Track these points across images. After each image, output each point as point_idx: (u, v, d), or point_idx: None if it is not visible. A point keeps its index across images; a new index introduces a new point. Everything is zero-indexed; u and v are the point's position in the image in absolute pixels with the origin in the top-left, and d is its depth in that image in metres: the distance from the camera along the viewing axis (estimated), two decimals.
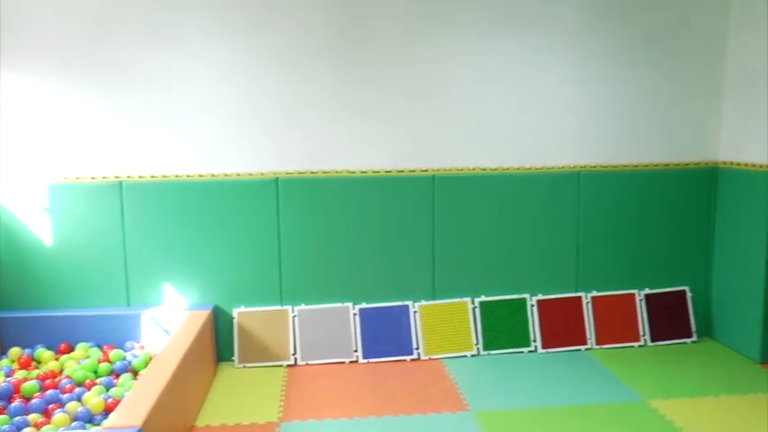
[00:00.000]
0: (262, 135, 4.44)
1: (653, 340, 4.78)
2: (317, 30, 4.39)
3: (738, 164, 4.67)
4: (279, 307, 4.53)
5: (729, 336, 4.78)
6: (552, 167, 4.69)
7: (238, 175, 4.44)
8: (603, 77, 4.68)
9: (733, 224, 4.72)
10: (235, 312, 4.49)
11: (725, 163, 4.81)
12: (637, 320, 4.80)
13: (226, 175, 4.43)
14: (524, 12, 4.55)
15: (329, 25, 4.40)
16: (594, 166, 4.74)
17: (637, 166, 4.79)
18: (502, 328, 4.68)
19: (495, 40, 4.55)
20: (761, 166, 4.43)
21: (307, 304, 4.55)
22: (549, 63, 4.62)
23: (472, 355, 4.59)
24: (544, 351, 4.66)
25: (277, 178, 4.45)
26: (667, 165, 4.78)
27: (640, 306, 4.82)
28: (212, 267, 4.47)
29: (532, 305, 4.73)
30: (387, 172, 4.55)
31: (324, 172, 4.50)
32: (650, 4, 4.66)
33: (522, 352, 4.66)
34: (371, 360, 4.47)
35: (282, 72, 4.40)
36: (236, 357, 4.44)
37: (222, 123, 4.41)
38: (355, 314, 4.55)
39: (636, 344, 4.76)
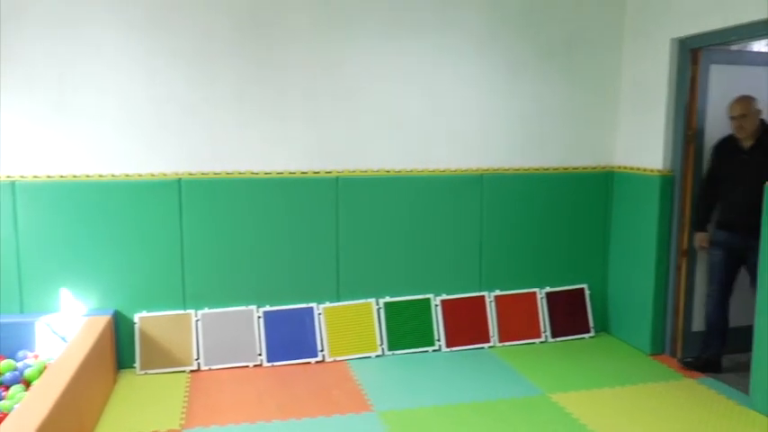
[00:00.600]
0: (164, 135, 4.33)
1: (553, 336, 4.96)
2: (221, 30, 4.32)
3: (632, 168, 4.90)
4: (182, 311, 4.43)
5: (624, 330, 5.02)
6: (456, 170, 4.79)
7: (140, 175, 4.31)
8: (508, 84, 4.82)
9: (627, 225, 4.95)
10: (136, 317, 4.35)
11: (620, 167, 5.04)
12: (538, 318, 4.96)
13: (127, 175, 4.29)
14: (433, 17, 4.63)
15: (234, 25, 4.34)
16: (497, 170, 4.87)
17: (537, 169, 4.96)
18: (406, 329, 4.73)
19: (403, 44, 4.61)
20: (652, 171, 4.67)
21: (210, 308, 4.47)
22: (456, 68, 4.73)
23: (377, 356, 4.63)
24: (448, 350, 4.74)
25: (180, 179, 4.35)
26: (566, 168, 4.97)
27: (541, 304, 4.98)
28: (112, 271, 4.32)
29: (436, 305, 4.81)
30: (291, 173, 4.53)
31: (227, 173, 4.43)
32: (552, 15, 4.85)
33: (426, 351, 4.73)
34: (276, 363, 4.43)
35: (186, 73, 4.31)
36: (137, 364, 4.31)
37: (123, 123, 4.27)
38: (259, 317, 4.50)
39: (537, 340, 4.93)
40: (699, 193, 4.52)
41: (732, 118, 4.23)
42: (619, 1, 4.94)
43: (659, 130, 4.62)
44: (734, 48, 4.78)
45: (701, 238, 4.48)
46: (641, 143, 4.82)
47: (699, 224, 4.48)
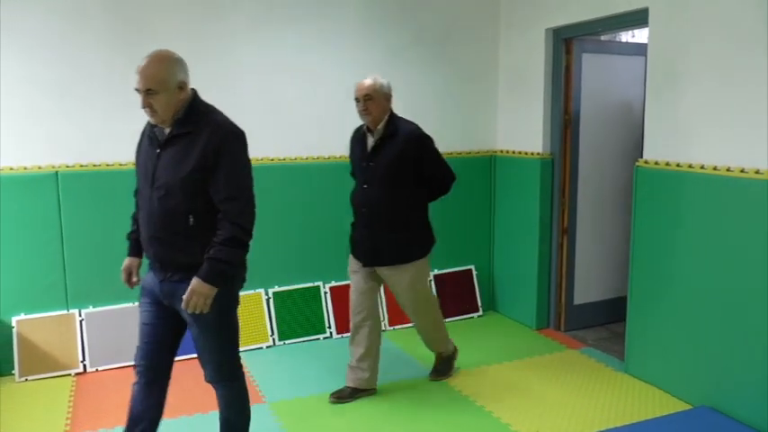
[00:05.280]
0: (35, 127, 4.09)
1: (443, 317, 5.07)
2: (91, 17, 4.13)
3: (514, 152, 5.09)
4: (64, 311, 4.25)
5: (510, 308, 5.24)
6: (340, 157, 4.75)
7: (11, 169, 4.06)
8: (388, 73, 4.75)
9: (510, 207, 5.15)
10: (14, 321, 4.13)
11: (502, 152, 5.23)
12: None
13: None
14: (307, 3, 4.60)
15: (104, 12, 4.15)
16: None
17: None
18: (297, 317, 4.74)
19: (278, 32, 4.56)
20: (533, 154, 4.87)
21: (95, 306, 4.31)
22: (332, 55, 4.72)
23: (268, 347, 4.62)
24: (339, 336, 4.78)
25: (57, 172, 4.15)
26: (450, 154, 5.08)
27: (431, 286, 5.09)
28: None
29: (326, 292, 4.84)
30: None
31: (107, 165, 4.26)
32: (428, 3, 4.92)
33: (318, 339, 4.76)
34: None
35: (54, 61, 4.08)
36: (16, 371, 4.09)
37: None
38: None
39: None
40: None
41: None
42: None
43: (538, 116, 4.82)
44: (604, 38, 5.05)
45: None
46: (521, 128, 5.02)
47: None
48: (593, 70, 4.78)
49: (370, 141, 3.69)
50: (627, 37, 5.62)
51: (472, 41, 5.10)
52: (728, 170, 3.40)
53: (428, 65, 4.99)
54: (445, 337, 4.14)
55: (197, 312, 2.58)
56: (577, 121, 4.79)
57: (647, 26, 3.93)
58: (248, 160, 2.69)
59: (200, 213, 2.58)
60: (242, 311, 4.47)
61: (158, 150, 2.63)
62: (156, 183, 2.60)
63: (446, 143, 5.07)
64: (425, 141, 3.71)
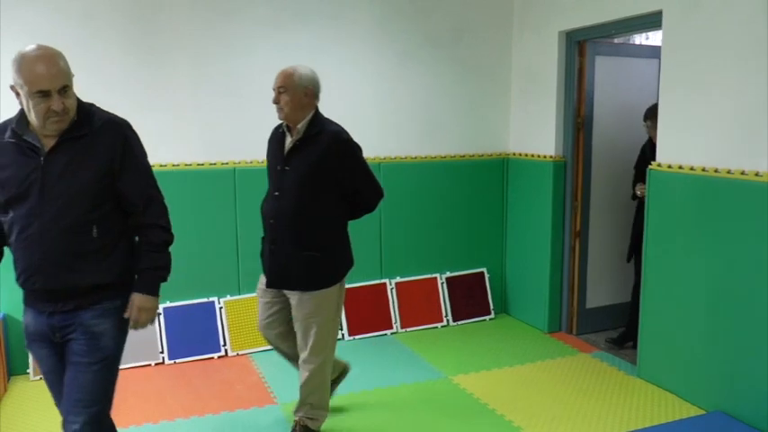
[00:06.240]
0: None
1: (455, 320, 5.10)
2: (105, 22, 4.15)
3: (526, 155, 5.08)
4: None
5: (522, 311, 5.22)
6: None
7: None
8: (401, 75, 4.89)
9: (523, 210, 5.14)
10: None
11: (514, 154, 5.22)
12: (439, 303, 5.09)
13: None
14: (320, 5, 4.60)
15: (119, 17, 4.18)
16: (394, 158, 4.94)
17: (435, 157, 5.06)
18: None
19: (291, 33, 4.56)
20: (545, 157, 4.86)
21: None
22: (345, 57, 4.73)
23: None
24: (351, 338, 4.80)
25: None
26: (463, 156, 5.09)
27: (442, 289, 5.11)
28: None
29: None
30: (186, 165, 4.44)
31: None
32: (440, 5, 4.92)
33: None
34: (178, 360, 4.35)
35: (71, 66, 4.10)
36: (30, 370, 4.12)
37: None
38: (160, 313, 4.38)
39: (439, 325, 5.06)
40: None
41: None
42: None
43: (551, 119, 4.81)
44: (617, 40, 5.03)
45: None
46: (534, 131, 5.01)
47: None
48: (607, 73, 4.77)
49: (288, 142, 3.17)
50: (641, 39, 5.60)
51: (485, 44, 5.09)
52: (743, 173, 3.39)
53: (441, 67, 4.99)
54: (325, 399, 3.36)
55: (141, 329, 2.46)
56: (590, 123, 4.77)
57: (660, 29, 3.91)
58: (145, 150, 2.49)
59: (103, 224, 2.33)
60: (253, 315, 4.54)
61: (41, 159, 2.26)
62: (46, 196, 2.25)
63: (458, 145, 5.10)
64: (352, 149, 3.19)
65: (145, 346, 4.31)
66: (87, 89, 4.08)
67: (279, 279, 3.20)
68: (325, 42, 4.66)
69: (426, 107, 4.98)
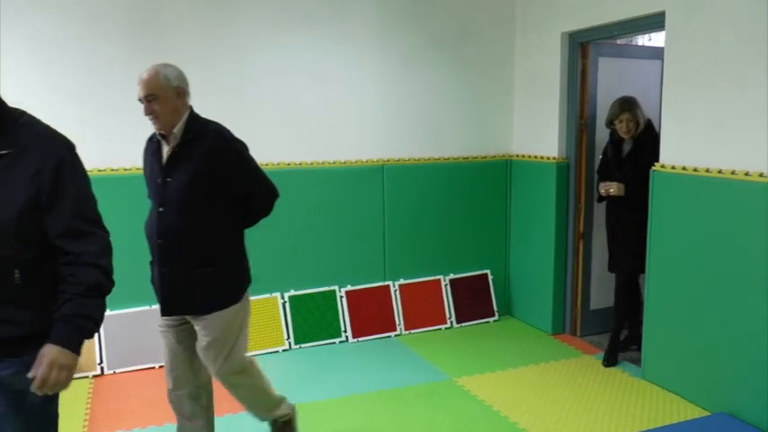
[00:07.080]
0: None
1: (458, 322, 5.11)
2: (108, 23, 4.17)
3: (529, 156, 5.09)
4: None
5: (526, 312, 5.22)
6: (356, 162, 4.82)
7: None
8: (405, 77, 4.90)
9: (526, 211, 5.14)
10: None
11: (517, 156, 5.22)
12: (443, 304, 5.09)
13: None
14: (325, 7, 4.62)
15: (121, 18, 4.19)
16: (398, 160, 4.95)
17: (438, 159, 5.06)
18: (312, 321, 4.75)
19: (297, 35, 4.57)
20: (548, 159, 4.86)
21: (112, 310, 4.29)
22: (350, 59, 4.74)
23: (284, 350, 4.63)
24: (355, 340, 4.81)
25: None
26: (466, 158, 5.09)
27: (446, 291, 5.11)
28: None
29: (341, 296, 4.85)
30: None
31: (125, 169, 4.29)
32: (443, 7, 4.93)
33: (333, 343, 4.77)
34: None
35: (72, 68, 4.13)
36: None
37: None
38: None
39: (443, 326, 5.06)
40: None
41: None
42: None
43: (554, 120, 4.81)
44: (620, 42, 5.03)
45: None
46: (537, 132, 5.01)
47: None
48: (610, 74, 4.76)
49: (166, 151, 2.80)
50: (644, 40, 5.60)
51: (488, 46, 5.10)
52: (747, 174, 3.38)
53: (444, 68, 5.00)
54: (276, 400, 3.22)
55: (51, 393, 1.87)
56: (593, 125, 4.77)
57: (663, 30, 3.91)
58: (88, 176, 1.98)
59: (28, 265, 1.84)
60: (258, 315, 4.55)
61: None
62: None
63: (461, 147, 5.11)
64: (237, 147, 2.87)
65: (149, 350, 4.32)
66: (90, 91, 4.20)
67: (175, 305, 2.84)
68: (329, 43, 4.67)
69: (429, 109, 4.98)
